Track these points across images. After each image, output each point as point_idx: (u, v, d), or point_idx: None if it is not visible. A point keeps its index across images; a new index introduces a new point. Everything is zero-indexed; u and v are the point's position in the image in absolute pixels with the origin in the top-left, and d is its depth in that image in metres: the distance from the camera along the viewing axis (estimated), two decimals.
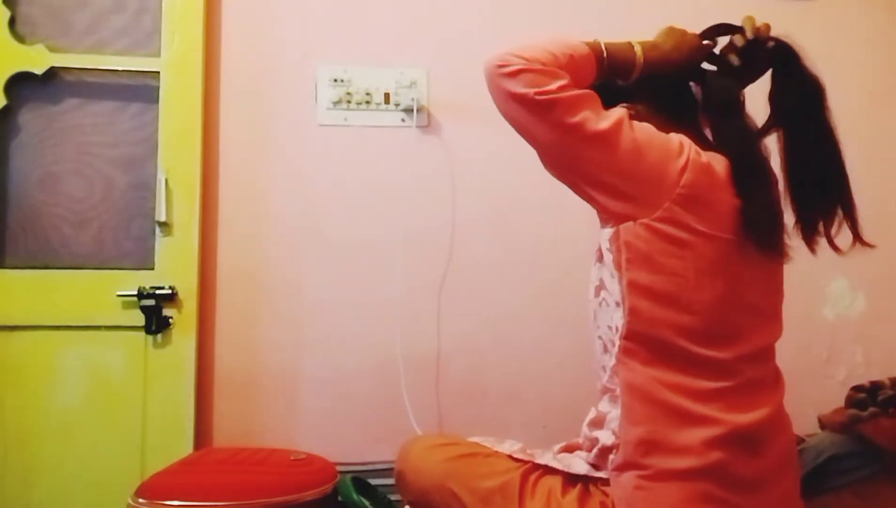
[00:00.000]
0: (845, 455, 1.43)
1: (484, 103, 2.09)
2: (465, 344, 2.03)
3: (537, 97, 1.04)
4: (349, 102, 2.05)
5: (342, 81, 2.05)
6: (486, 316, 2.05)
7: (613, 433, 1.09)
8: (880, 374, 1.56)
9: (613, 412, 1.10)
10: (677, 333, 1.05)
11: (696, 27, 2.17)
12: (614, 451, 1.09)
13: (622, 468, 1.07)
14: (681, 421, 1.03)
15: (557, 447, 1.29)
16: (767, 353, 1.14)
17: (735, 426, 1.03)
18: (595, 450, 1.13)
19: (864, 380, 1.54)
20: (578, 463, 1.16)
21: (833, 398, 1.51)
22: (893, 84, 2.25)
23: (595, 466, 1.13)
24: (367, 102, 2.05)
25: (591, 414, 1.18)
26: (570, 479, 1.14)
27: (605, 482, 1.10)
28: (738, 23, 1.30)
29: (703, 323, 1.05)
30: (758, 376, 1.09)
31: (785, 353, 1.18)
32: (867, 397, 1.48)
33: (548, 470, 1.17)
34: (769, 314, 1.14)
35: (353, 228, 2.03)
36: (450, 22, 2.11)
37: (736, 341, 1.07)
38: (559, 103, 1.04)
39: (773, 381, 1.13)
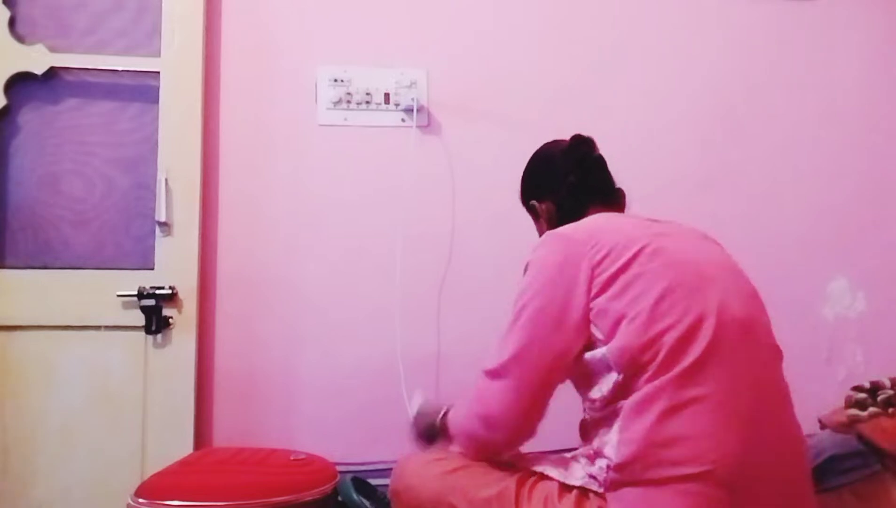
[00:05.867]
0: (845, 455, 1.42)
1: (484, 103, 2.11)
2: (465, 344, 2.03)
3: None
4: (349, 102, 2.05)
5: (342, 81, 2.05)
6: (486, 316, 2.04)
7: (608, 449, 1.09)
8: (880, 374, 1.55)
9: (608, 429, 1.10)
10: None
11: (695, 28, 2.18)
12: (609, 469, 1.08)
13: (619, 484, 1.06)
14: (676, 432, 1.03)
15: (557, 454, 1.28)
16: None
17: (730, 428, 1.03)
18: (594, 465, 1.13)
19: (864, 380, 1.54)
20: (576, 472, 1.15)
21: (833, 398, 1.51)
22: (893, 84, 2.25)
23: (592, 476, 1.13)
24: (367, 102, 2.05)
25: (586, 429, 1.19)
26: (567, 485, 1.13)
27: (602, 493, 1.09)
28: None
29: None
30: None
31: (785, 353, 1.18)
32: (867, 397, 1.48)
33: (543, 476, 1.17)
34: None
35: (353, 228, 2.03)
36: (450, 22, 2.11)
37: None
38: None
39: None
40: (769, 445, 1.06)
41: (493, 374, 1.18)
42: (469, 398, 1.23)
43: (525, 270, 1.24)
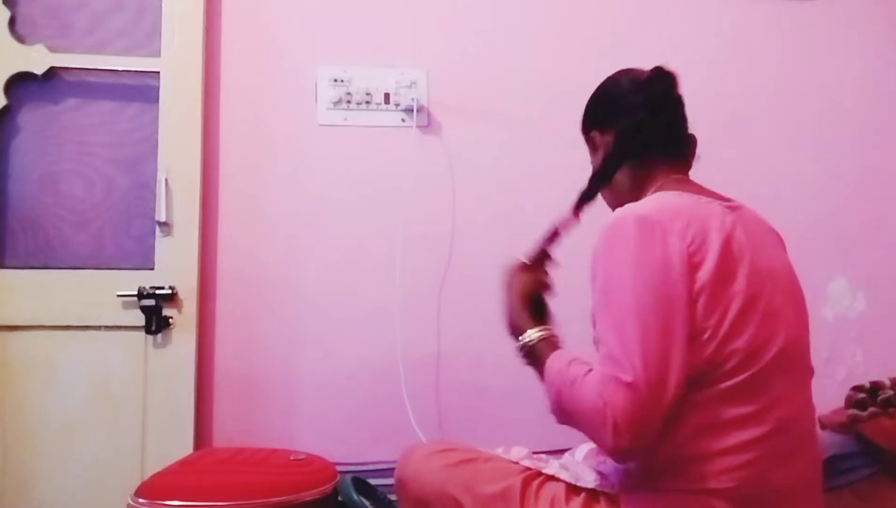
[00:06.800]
0: (845, 455, 1.43)
1: (484, 103, 2.11)
2: (465, 344, 2.03)
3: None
4: (349, 102, 2.05)
5: (342, 81, 2.05)
6: (486, 316, 2.04)
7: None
8: (880, 374, 1.56)
9: None
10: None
11: (695, 28, 2.18)
12: (630, 471, 1.07)
13: (636, 488, 1.05)
14: (710, 447, 1.01)
15: (565, 455, 1.27)
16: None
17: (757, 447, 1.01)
18: (612, 463, 1.11)
19: (864, 380, 1.54)
20: (587, 474, 1.14)
21: (833, 398, 1.51)
22: (893, 84, 2.24)
23: (602, 475, 1.12)
24: (367, 102, 2.05)
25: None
26: (575, 487, 1.12)
27: (613, 496, 1.09)
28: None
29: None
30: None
31: None
32: (867, 397, 1.48)
33: (551, 477, 1.16)
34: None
35: (353, 228, 2.03)
36: (450, 22, 2.11)
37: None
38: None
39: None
40: (794, 467, 1.05)
41: (629, 386, 0.95)
42: (595, 383, 0.98)
43: (600, 254, 1.09)
